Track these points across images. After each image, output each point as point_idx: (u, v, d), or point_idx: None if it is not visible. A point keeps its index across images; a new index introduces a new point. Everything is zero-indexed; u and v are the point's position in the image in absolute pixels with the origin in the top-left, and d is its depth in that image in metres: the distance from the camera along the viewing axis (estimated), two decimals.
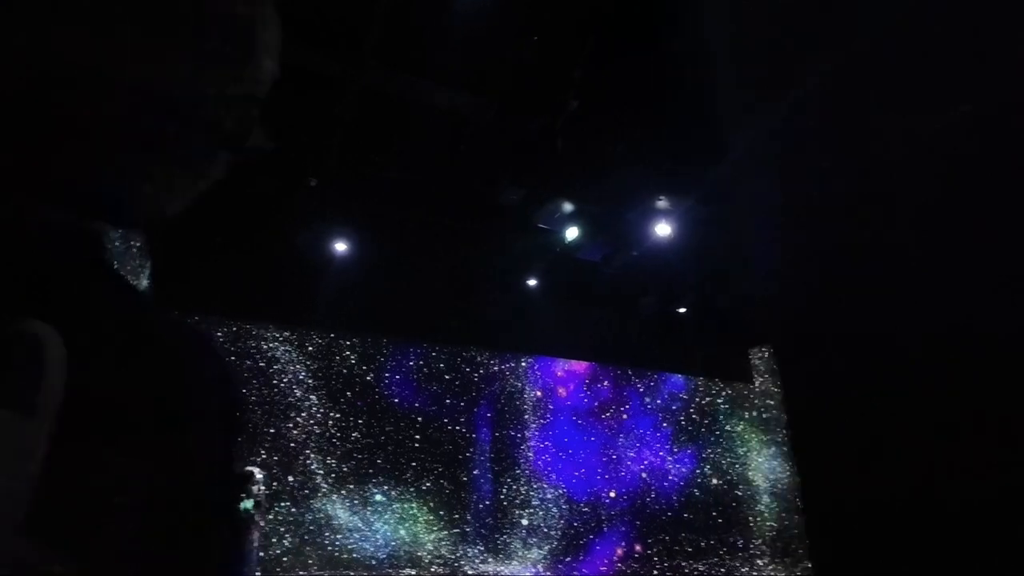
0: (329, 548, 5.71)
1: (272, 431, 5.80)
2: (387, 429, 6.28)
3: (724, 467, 8.02)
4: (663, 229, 4.76)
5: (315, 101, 4.43)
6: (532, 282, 6.37)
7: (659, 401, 7.85)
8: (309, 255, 5.74)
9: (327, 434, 6.02)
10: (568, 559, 6.66)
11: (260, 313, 5.97)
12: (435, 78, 4.24)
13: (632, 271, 5.70)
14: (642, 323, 7.10)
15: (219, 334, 5.87)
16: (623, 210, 4.70)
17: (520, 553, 6.49)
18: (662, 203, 4.54)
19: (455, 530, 6.26)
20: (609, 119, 4.35)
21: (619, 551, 6.96)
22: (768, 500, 8.12)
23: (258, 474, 3.82)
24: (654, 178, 4.42)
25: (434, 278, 6.25)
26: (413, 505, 6.17)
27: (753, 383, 8.45)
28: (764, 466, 8.28)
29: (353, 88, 4.30)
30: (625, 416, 7.58)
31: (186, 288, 5.62)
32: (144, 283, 4.86)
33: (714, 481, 7.88)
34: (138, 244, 4.87)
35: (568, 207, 4.71)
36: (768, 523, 7.99)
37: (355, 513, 5.92)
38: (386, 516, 6.03)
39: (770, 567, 7.76)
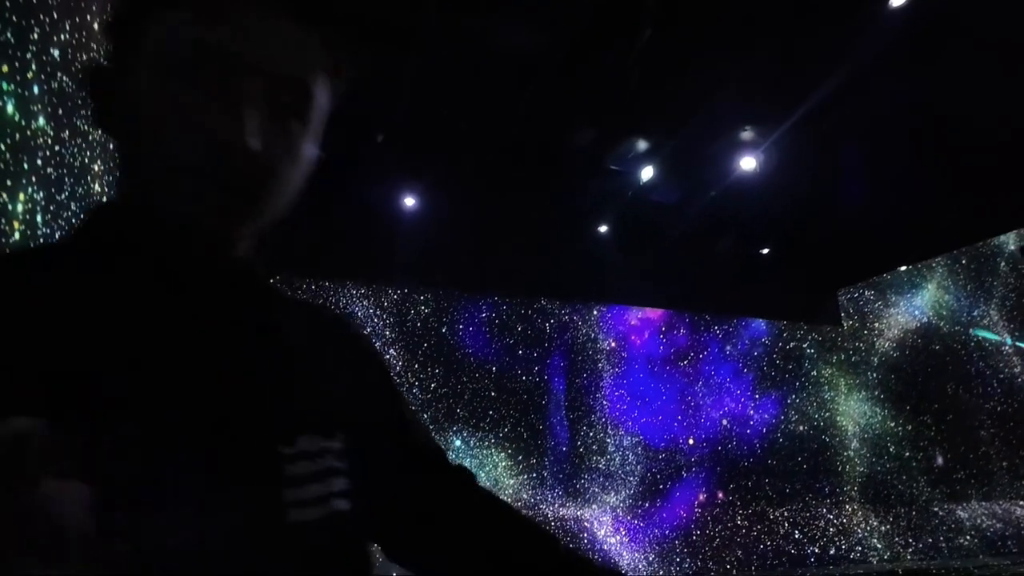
0: None
1: None
2: (463, 379, 6.39)
3: (810, 413, 7.72)
4: (748, 163, 4.43)
5: (379, 54, 4.33)
6: (603, 228, 6.17)
7: (740, 347, 7.58)
8: (379, 211, 5.77)
9: (406, 385, 6.19)
10: (647, 504, 6.67)
11: (336, 269, 6.11)
12: (499, 17, 4.03)
13: (711, 211, 5.40)
14: (721, 266, 6.79)
15: (300, 293, 6.07)
16: (703, 145, 4.40)
17: (599, 497, 6.56)
18: (747, 134, 4.21)
19: (534, 475, 6.37)
20: (688, 46, 4.02)
21: (699, 497, 6.91)
22: (857, 445, 7.79)
23: None
24: (741, 107, 4.09)
25: (504, 228, 6.17)
26: (492, 451, 6.30)
27: (842, 325, 8.00)
28: (854, 410, 7.91)
29: (417, 37, 4.16)
30: (704, 363, 7.38)
31: (263, 250, 5.80)
32: None
33: (800, 427, 7.61)
34: None
35: (643, 145, 4.45)
36: (858, 468, 7.69)
37: None
38: (466, 462, 6.20)
39: (859, 513, 7.51)
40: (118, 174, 0.59)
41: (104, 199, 1.89)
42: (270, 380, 0.56)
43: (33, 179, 1.66)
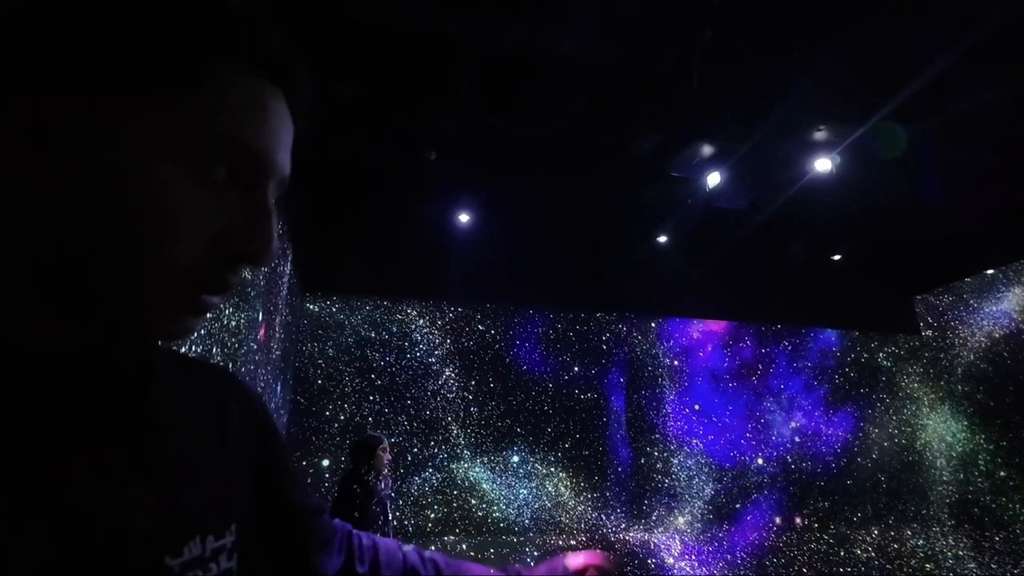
0: (475, 513, 5.81)
1: (411, 401, 5.95)
2: (520, 396, 6.25)
3: (890, 428, 7.23)
4: (823, 164, 4.17)
5: (432, 67, 4.30)
6: (663, 238, 5.96)
7: (811, 359, 7.18)
8: (435, 229, 5.74)
9: (465, 402, 6.09)
10: (717, 527, 6.34)
11: (393, 288, 6.11)
12: (555, 22, 3.93)
13: (779, 216, 5.13)
14: (789, 274, 6.47)
15: (358, 312, 6.08)
16: (773, 147, 4.17)
17: (665, 520, 6.27)
18: (821, 134, 3.96)
19: (595, 494, 6.15)
20: (754, 45, 3.83)
21: (771, 519, 6.52)
22: (943, 463, 7.24)
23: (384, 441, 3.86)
24: (814, 107, 3.86)
25: (560, 240, 6.04)
26: (552, 469, 6.12)
27: (920, 334, 7.50)
28: (937, 425, 7.37)
29: (470, 47, 4.11)
30: (773, 377, 7.02)
31: (321, 270, 5.86)
32: (287, 269, 5.07)
33: (879, 444, 7.13)
34: (280, 231, 5.09)
35: (707, 150, 4.26)
36: (945, 488, 7.14)
37: (496, 479, 5.97)
38: (527, 482, 6.03)
39: (950, 537, 6.95)
40: None
41: None
42: (160, 485, 0.50)
43: None
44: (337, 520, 0.76)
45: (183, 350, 2.39)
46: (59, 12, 0.42)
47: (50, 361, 0.46)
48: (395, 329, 6.14)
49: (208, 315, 0.49)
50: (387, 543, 0.78)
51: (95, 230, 0.43)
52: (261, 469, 0.65)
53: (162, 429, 0.53)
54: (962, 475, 7.19)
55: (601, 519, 6.10)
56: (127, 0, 0.43)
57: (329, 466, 5.52)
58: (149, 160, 0.43)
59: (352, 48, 4.15)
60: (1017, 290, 7.67)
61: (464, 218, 5.67)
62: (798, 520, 6.57)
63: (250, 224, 0.48)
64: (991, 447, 7.15)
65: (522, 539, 5.82)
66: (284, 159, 0.51)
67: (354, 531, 0.77)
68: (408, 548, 0.79)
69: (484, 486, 5.91)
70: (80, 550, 0.43)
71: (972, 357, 7.40)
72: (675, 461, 6.51)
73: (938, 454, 7.27)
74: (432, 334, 6.23)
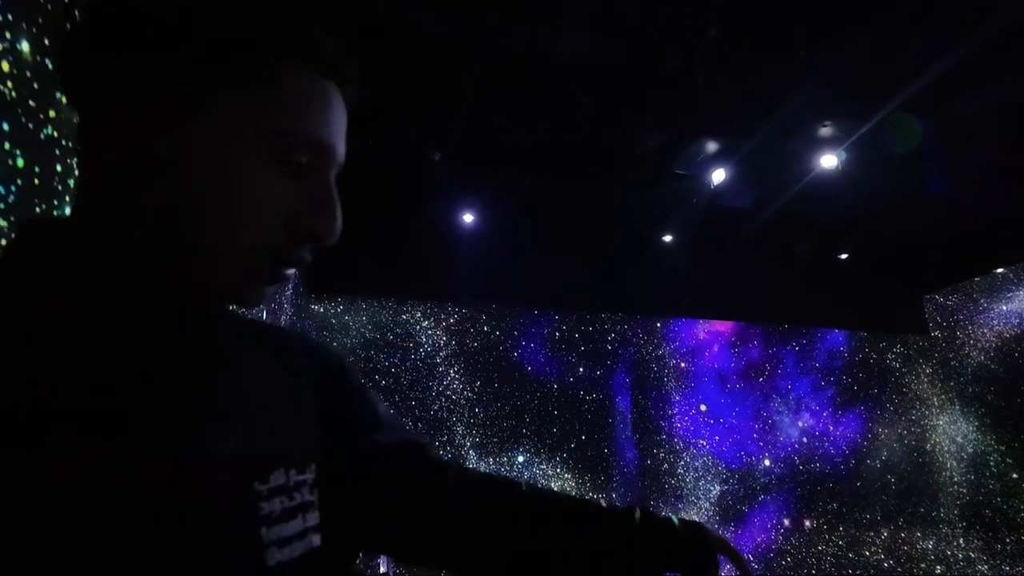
0: None
1: (415, 402, 5.95)
2: (525, 396, 6.24)
3: (899, 429, 7.16)
4: (828, 161, 4.14)
5: (436, 69, 4.31)
6: (668, 237, 5.93)
7: (818, 360, 7.13)
8: (439, 229, 5.74)
9: (469, 403, 6.08)
10: (725, 529, 6.29)
11: (397, 289, 6.11)
12: (558, 23, 3.93)
13: (785, 214, 5.09)
14: (796, 273, 6.42)
15: (363, 313, 6.09)
16: (779, 144, 4.14)
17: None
18: (827, 130, 3.94)
19: (602, 496, 6.12)
20: (759, 42, 3.81)
21: (780, 521, 6.47)
22: (954, 464, 7.16)
23: None
24: (819, 104, 3.83)
25: (564, 240, 6.03)
26: (558, 470, 6.10)
27: (929, 334, 7.43)
28: (948, 426, 7.30)
29: (474, 48, 4.11)
30: (780, 378, 6.97)
31: (325, 271, 5.86)
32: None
33: (888, 445, 7.06)
34: None
35: (712, 147, 4.24)
36: (956, 490, 7.06)
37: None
38: (532, 479, 6.01)
39: (961, 539, 6.87)
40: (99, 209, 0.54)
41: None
42: (239, 419, 0.57)
43: None
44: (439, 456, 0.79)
45: None
46: (168, 24, 0.50)
47: (145, 312, 0.53)
48: (400, 330, 6.14)
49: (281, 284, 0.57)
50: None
51: (190, 207, 0.51)
52: (337, 417, 0.69)
53: (239, 375, 0.60)
54: (973, 477, 7.11)
55: None
56: (221, 17, 0.52)
57: None
58: (235, 150, 0.51)
59: (357, 50, 4.17)
60: None
61: (469, 219, 5.67)
62: (808, 523, 6.52)
63: (317, 207, 0.55)
64: (1002, 448, 7.06)
65: None
66: (342, 148, 0.59)
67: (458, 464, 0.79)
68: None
69: None
70: (180, 475, 0.49)
71: (982, 358, 7.33)
72: (682, 462, 6.47)
73: (948, 455, 7.20)
74: (437, 335, 6.23)
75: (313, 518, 0.59)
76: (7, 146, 1.42)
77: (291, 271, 0.56)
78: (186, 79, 0.51)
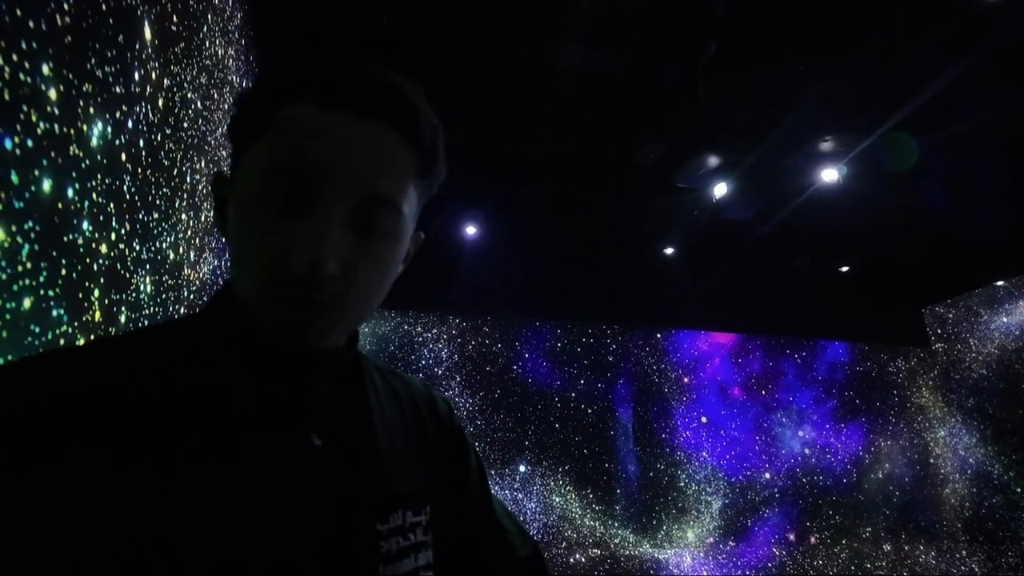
0: None
1: None
2: (526, 408, 6.22)
3: (901, 442, 7.15)
4: (829, 175, 4.16)
5: (438, 81, 4.33)
6: (670, 249, 5.95)
7: (819, 372, 7.12)
8: (441, 241, 5.76)
9: (470, 415, 6.06)
10: (726, 543, 6.26)
11: (400, 299, 6.11)
12: (561, 36, 3.97)
13: (786, 227, 5.11)
14: (797, 286, 6.43)
15: (365, 324, 6.08)
16: (779, 158, 4.17)
17: (674, 535, 6.19)
18: (827, 145, 3.96)
19: (601, 507, 6.09)
20: (760, 58, 3.84)
21: (782, 534, 6.43)
22: (957, 476, 7.13)
23: None
24: (820, 118, 3.86)
25: (566, 252, 6.04)
26: (559, 484, 6.07)
27: (930, 346, 7.43)
28: (951, 439, 7.28)
29: (478, 62, 4.14)
30: (781, 390, 6.96)
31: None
32: None
33: (891, 458, 7.04)
34: None
35: (713, 161, 4.26)
36: (958, 502, 7.03)
37: (502, 492, 5.92)
38: (533, 496, 5.98)
39: (964, 551, 6.83)
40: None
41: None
42: (364, 462, 0.61)
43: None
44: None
45: None
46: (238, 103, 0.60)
47: (292, 361, 0.58)
48: (401, 341, 6.14)
49: (326, 306, 0.55)
50: None
51: (232, 258, 0.58)
52: (451, 474, 0.73)
53: (369, 419, 0.64)
54: (975, 489, 7.08)
55: (609, 533, 6.03)
56: (253, 84, 0.59)
57: None
58: (238, 200, 0.56)
59: (363, 76, 4.19)
60: None
61: (471, 230, 5.68)
62: (813, 539, 6.48)
63: (298, 247, 0.52)
64: (1005, 461, 7.04)
65: None
66: (352, 177, 0.54)
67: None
68: None
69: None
70: (313, 511, 0.53)
71: (984, 370, 7.32)
72: (683, 475, 6.45)
73: (951, 468, 7.17)
74: (439, 346, 6.22)
75: (424, 557, 0.62)
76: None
77: (314, 295, 0.54)
78: (233, 143, 0.60)
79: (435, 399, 0.78)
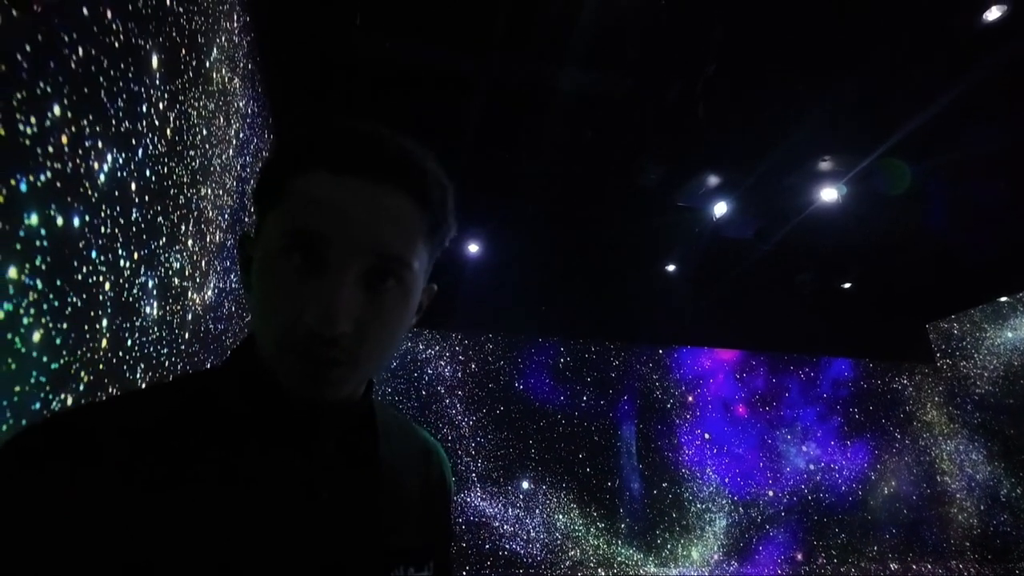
0: (486, 547, 5.73)
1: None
2: (528, 424, 6.21)
3: (907, 459, 7.09)
4: (829, 194, 4.19)
5: (441, 103, 4.39)
6: (672, 267, 5.97)
7: (823, 389, 7.09)
8: (443, 259, 5.78)
9: (473, 432, 6.05)
10: (731, 561, 6.20)
11: None
12: (562, 58, 4.02)
13: (788, 245, 5.13)
14: (799, 303, 6.43)
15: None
16: (780, 176, 4.20)
17: (678, 553, 6.14)
18: (827, 164, 3.99)
19: (605, 524, 6.05)
20: (760, 78, 3.89)
21: (788, 552, 6.37)
22: (965, 494, 7.07)
23: None
24: (821, 138, 3.89)
25: (568, 270, 6.07)
26: (563, 502, 6.04)
27: (935, 362, 7.40)
28: (957, 456, 7.22)
29: (480, 84, 4.20)
30: (785, 407, 6.93)
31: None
32: None
33: (897, 475, 6.99)
34: None
35: (714, 179, 4.30)
36: (969, 519, 6.96)
37: (506, 511, 5.89)
38: (537, 514, 5.95)
39: (973, 571, 6.74)
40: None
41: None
42: (370, 516, 0.63)
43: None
44: None
45: None
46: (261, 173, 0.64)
47: (304, 412, 0.61)
48: (404, 359, 6.15)
49: (339, 361, 0.57)
50: None
51: (254, 317, 0.61)
52: (443, 528, 0.77)
53: (380, 471, 0.67)
54: (983, 507, 7.01)
55: (613, 551, 5.99)
56: (263, 163, 0.63)
57: None
58: (260, 261, 0.59)
59: (365, 86, 4.27)
60: None
61: (473, 248, 5.72)
62: (822, 559, 6.41)
63: (313, 304, 0.55)
64: (1012, 478, 6.98)
65: (532, 572, 5.72)
66: (367, 238, 0.57)
67: None
68: None
69: (493, 517, 5.83)
70: (317, 566, 0.56)
71: (990, 386, 7.28)
72: (687, 492, 6.41)
73: (958, 486, 7.10)
74: (441, 363, 6.23)
75: None
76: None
77: (328, 351, 0.56)
78: (256, 207, 0.63)
79: (442, 458, 0.81)
